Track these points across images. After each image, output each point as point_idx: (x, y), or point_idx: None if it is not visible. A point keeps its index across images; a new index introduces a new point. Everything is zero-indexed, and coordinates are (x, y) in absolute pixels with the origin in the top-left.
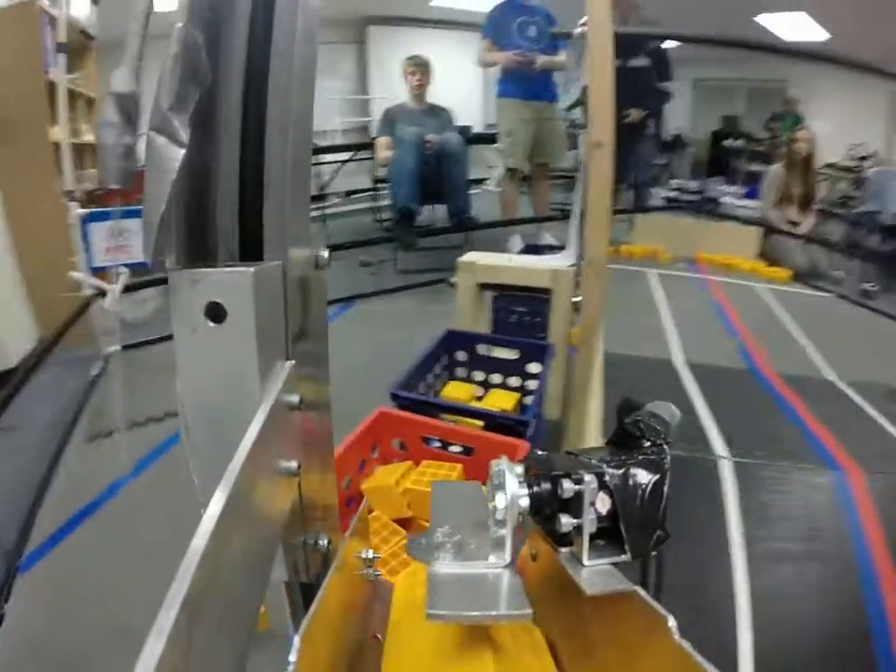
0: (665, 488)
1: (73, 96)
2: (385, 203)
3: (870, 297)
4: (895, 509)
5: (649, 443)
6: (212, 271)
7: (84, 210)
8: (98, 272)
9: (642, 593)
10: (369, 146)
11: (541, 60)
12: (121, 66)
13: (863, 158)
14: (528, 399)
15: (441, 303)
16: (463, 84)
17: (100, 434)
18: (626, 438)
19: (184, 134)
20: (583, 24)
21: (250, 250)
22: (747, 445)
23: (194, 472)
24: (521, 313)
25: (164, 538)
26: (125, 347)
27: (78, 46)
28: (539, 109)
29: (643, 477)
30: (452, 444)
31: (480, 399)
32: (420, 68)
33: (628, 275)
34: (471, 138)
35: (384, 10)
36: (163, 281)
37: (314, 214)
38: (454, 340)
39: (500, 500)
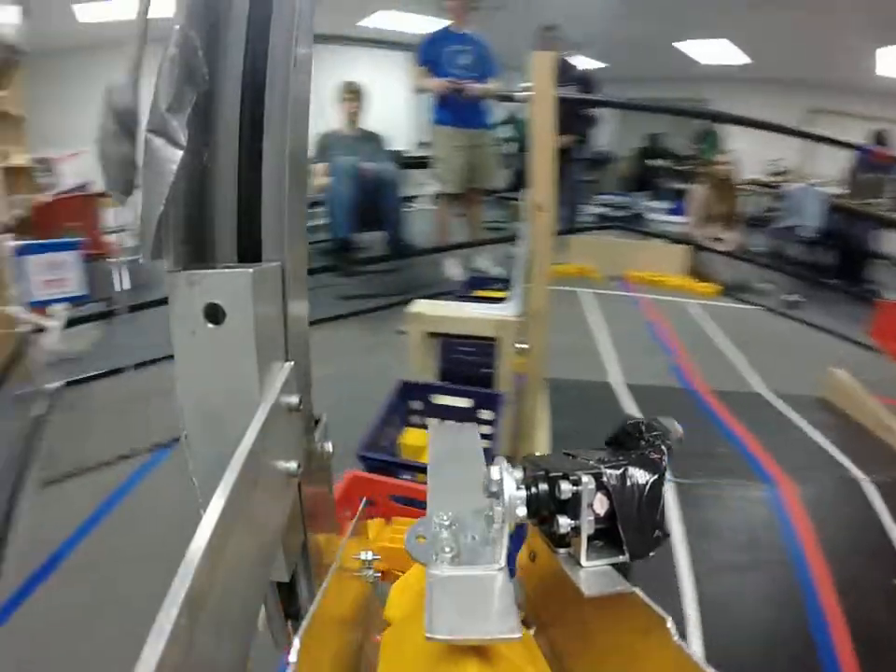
0: (663, 489)
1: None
2: (318, 222)
3: (795, 307)
4: (826, 515)
5: (647, 443)
6: (210, 272)
7: (18, 241)
8: (36, 306)
9: (641, 594)
10: None
11: (473, 87)
12: (120, 78)
13: (781, 173)
14: (483, 443)
15: (379, 334)
16: (393, 103)
17: (52, 482)
18: (625, 439)
19: (182, 135)
20: (525, 89)
21: (248, 251)
22: (685, 464)
23: (194, 473)
24: (469, 355)
25: (137, 590)
26: (68, 383)
27: (3, 62)
28: (472, 136)
29: (641, 477)
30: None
31: None
32: (355, 95)
33: (562, 296)
34: (404, 163)
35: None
36: (103, 315)
37: None
38: (408, 390)
39: (498, 505)
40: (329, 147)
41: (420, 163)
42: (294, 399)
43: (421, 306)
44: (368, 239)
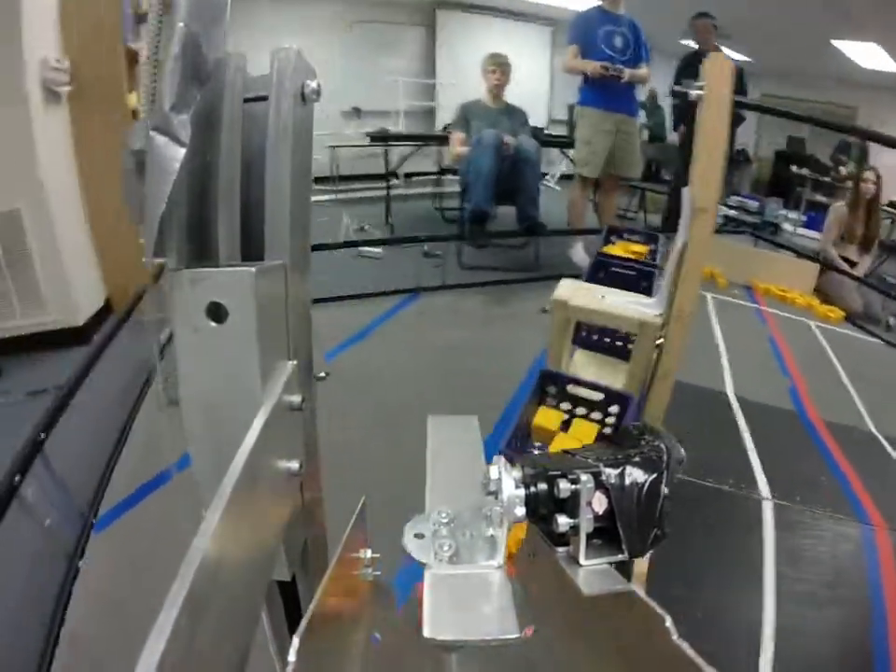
0: (663, 487)
1: None
2: (448, 190)
3: None
4: None
5: (645, 443)
6: (213, 271)
7: None
8: None
9: (640, 592)
10: (437, 137)
11: (627, 73)
12: (138, 123)
13: None
14: (606, 431)
15: (504, 306)
16: (530, 79)
17: (174, 402)
18: (625, 437)
19: (185, 134)
20: (699, 88)
21: (251, 250)
22: (787, 487)
23: (196, 473)
24: (603, 335)
25: None
26: None
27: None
28: (619, 121)
29: (640, 476)
30: None
31: (565, 424)
32: (501, 67)
33: None
34: (542, 141)
35: None
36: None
37: (379, 194)
38: (547, 377)
39: (497, 502)
40: (470, 118)
41: (553, 142)
42: (296, 398)
43: (565, 290)
44: (499, 213)
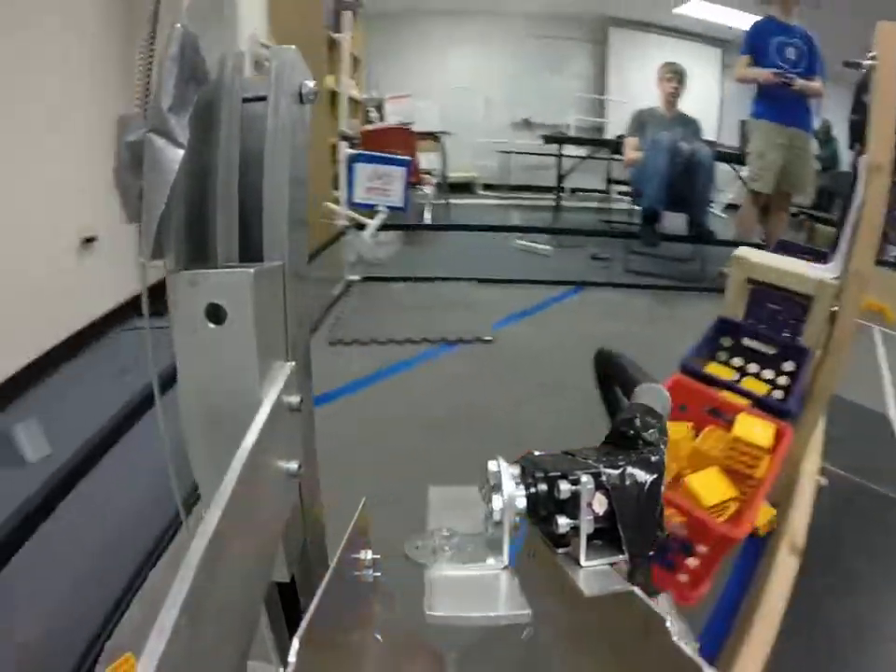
0: (662, 488)
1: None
2: (615, 207)
3: None
4: None
5: (644, 443)
6: (212, 272)
7: (353, 150)
8: (358, 207)
9: (639, 593)
10: (608, 143)
11: (800, 83)
12: (133, 115)
13: None
14: (776, 394)
15: (667, 307)
16: (700, 101)
17: (338, 342)
18: (620, 437)
19: (183, 135)
20: (872, 57)
21: (250, 251)
22: None
23: (195, 473)
24: (775, 311)
25: (389, 440)
26: (364, 279)
27: (348, 10)
28: (793, 136)
29: (640, 477)
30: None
31: (736, 382)
32: (676, 76)
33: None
34: (716, 155)
35: (626, 13)
36: (404, 227)
37: (549, 203)
38: (723, 326)
39: (497, 502)
40: (645, 124)
41: (725, 155)
42: (295, 399)
43: (745, 251)
44: (670, 221)
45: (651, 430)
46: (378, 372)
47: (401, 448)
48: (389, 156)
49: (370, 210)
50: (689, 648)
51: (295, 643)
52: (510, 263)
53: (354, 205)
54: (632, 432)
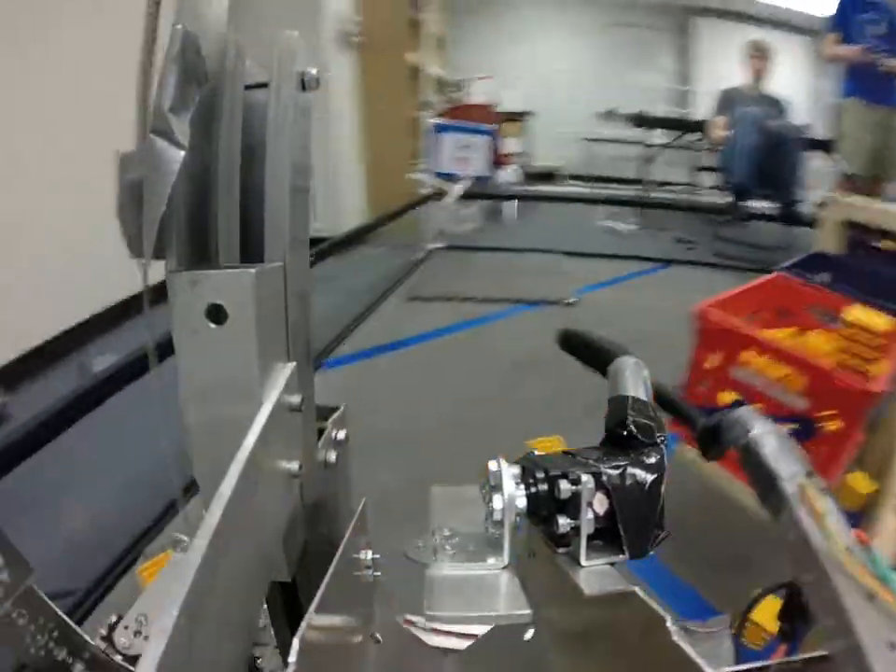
0: (663, 488)
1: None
2: (701, 199)
3: None
4: None
5: (645, 442)
6: (213, 272)
7: (438, 120)
8: (441, 177)
9: (641, 593)
10: (696, 126)
11: (889, 62)
12: (134, 150)
13: None
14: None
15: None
16: (788, 88)
17: (417, 298)
18: (618, 437)
19: (184, 136)
20: None
21: (251, 252)
22: None
23: (196, 473)
24: (871, 262)
25: (458, 385)
26: (448, 247)
27: None
28: (886, 115)
29: (641, 476)
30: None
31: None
32: (762, 53)
33: None
34: (807, 143)
35: (711, 2)
36: (484, 196)
37: (634, 194)
38: (816, 258)
39: (497, 502)
40: (731, 103)
41: (813, 142)
42: (296, 400)
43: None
44: (758, 203)
45: (648, 429)
46: (455, 324)
47: (462, 385)
48: (474, 125)
49: (453, 179)
50: (689, 648)
51: (296, 643)
52: (594, 241)
53: (438, 175)
54: (628, 432)
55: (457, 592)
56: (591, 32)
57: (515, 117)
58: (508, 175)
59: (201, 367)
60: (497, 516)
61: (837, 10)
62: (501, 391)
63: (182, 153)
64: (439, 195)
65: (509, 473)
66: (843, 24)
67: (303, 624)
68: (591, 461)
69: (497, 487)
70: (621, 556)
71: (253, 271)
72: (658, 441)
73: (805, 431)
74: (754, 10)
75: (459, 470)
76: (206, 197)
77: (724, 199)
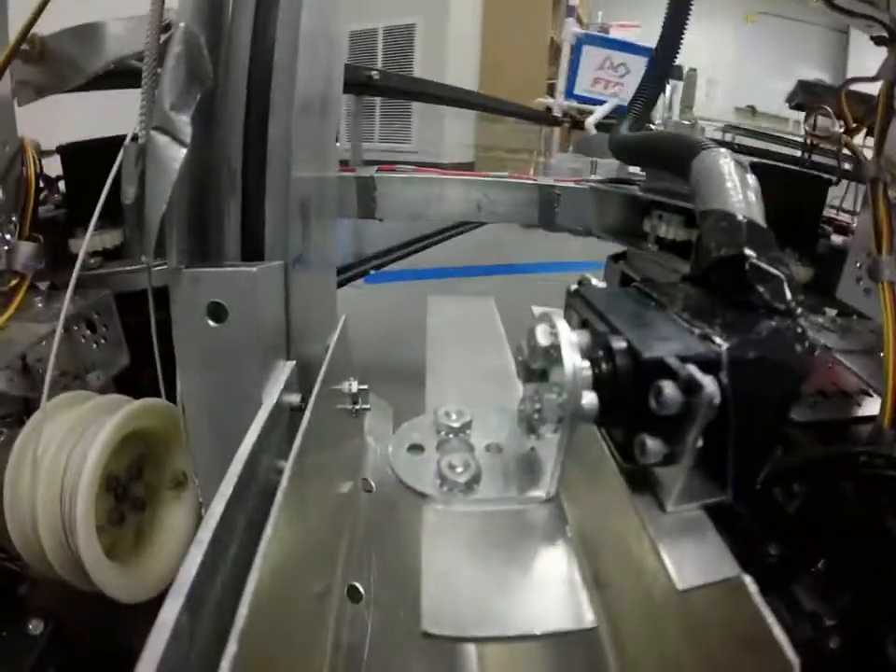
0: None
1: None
2: None
3: None
4: None
5: (767, 304)
6: (214, 270)
7: (582, 30)
8: (577, 100)
9: (750, 585)
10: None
11: None
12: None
13: None
14: None
15: None
16: None
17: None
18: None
19: (186, 134)
20: None
21: (252, 250)
22: None
23: (196, 472)
24: None
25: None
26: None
27: None
28: None
29: (772, 365)
30: None
31: None
32: None
33: None
34: None
35: None
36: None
37: None
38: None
39: (550, 397)
40: None
41: None
42: (296, 398)
43: None
44: None
45: (778, 285)
46: None
47: None
48: (629, 42)
49: (594, 105)
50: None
51: (285, 482)
52: None
53: (573, 97)
54: (747, 284)
55: (478, 549)
56: (732, 20)
57: None
58: None
59: (201, 365)
60: (549, 417)
61: None
62: None
63: (184, 151)
64: (572, 123)
65: (571, 343)
66: None
67: (291, 458)
68: (697, 332)
69: (550, 369)
70: (720, 495)
71: (254, 269)
72: (792, 304)
73: None
74: None
75: None
76: (208, 195)
77: None
